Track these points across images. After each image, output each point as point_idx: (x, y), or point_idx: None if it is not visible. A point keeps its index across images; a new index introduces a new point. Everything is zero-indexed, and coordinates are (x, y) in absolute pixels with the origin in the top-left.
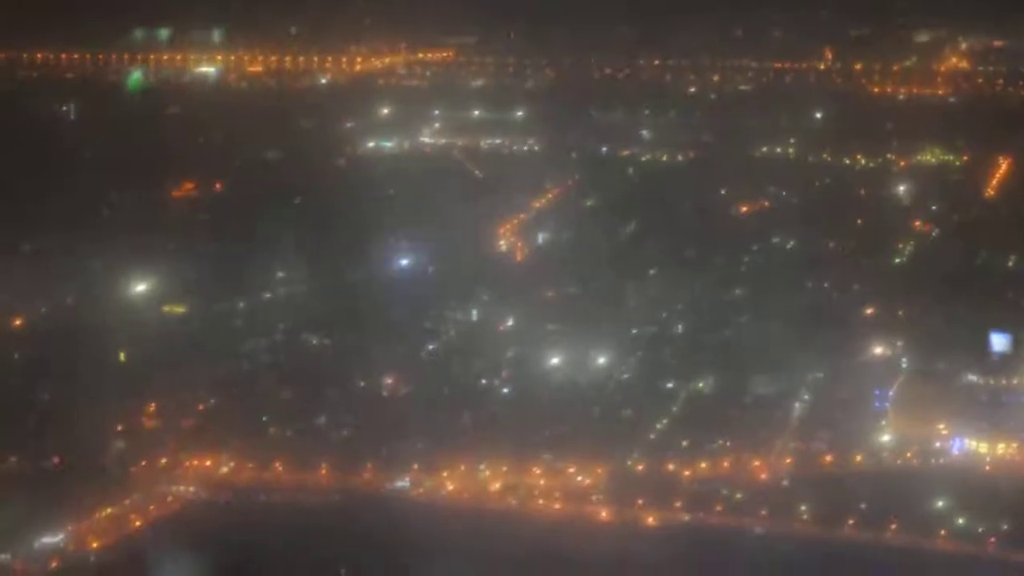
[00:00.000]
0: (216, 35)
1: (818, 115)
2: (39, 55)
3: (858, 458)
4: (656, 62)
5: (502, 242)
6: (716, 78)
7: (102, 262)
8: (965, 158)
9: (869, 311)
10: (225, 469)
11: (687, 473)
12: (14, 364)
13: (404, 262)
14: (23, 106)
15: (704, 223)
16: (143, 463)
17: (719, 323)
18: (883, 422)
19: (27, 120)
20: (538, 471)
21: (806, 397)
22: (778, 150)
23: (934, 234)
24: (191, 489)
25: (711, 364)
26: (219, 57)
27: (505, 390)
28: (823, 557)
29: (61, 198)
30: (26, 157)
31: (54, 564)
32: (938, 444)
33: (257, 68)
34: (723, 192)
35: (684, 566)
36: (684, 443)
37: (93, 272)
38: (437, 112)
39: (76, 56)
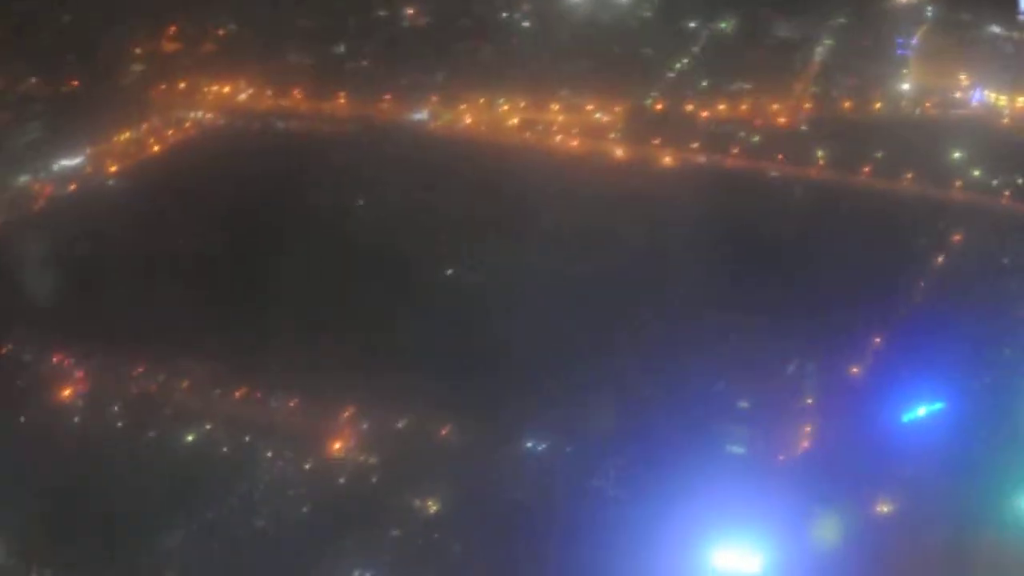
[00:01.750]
0: None
1: None
2: None
3: (877, 105)
4: None
5: None
6: None
7: None
8: None
9: None
10: (243, 96)
11: (705, 114)
12: None
13: None
14: None
15: None
16: (162, 87)
17: None
18: (904, 70)
19: None
20: (556, 107)
21: (828, 42)
22: None
23: None
24: (209, 115)
25: (734, 4)
26: None
27: (526, 24)
28: (837, 204)
29: None
30: None
31: (73, 187)
32: (958, 95)
33: None
34: None
35: (698, 208)
36: (704, 84)
37: None
38: None
39: None
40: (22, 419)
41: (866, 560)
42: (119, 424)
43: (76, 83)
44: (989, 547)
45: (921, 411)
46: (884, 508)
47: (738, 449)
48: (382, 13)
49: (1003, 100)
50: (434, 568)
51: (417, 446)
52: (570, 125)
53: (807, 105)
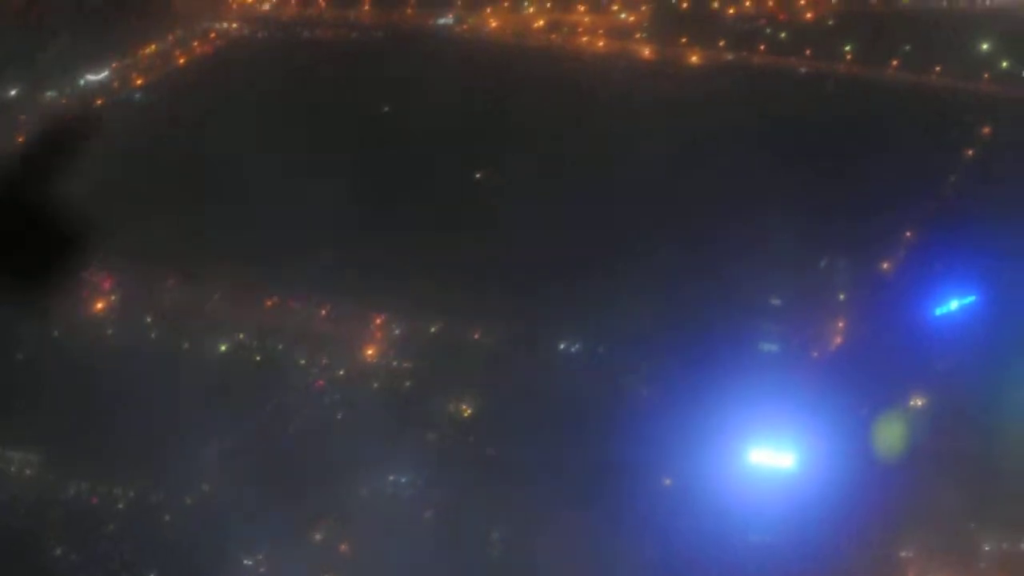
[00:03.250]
0: None
1: None
2: None
3: None
4: None
5: None
6: None
7: None
8: None
9: None
10: (267, 5)
11: (731, 11)
12: None
13: None
14: None
15: None
16: None
17: None
18: None
19: None
20: (582, 8)
21: None
22: None
23: None
24: (234, 25)
25: None
26: None
27: None
28: (866, 99)
29: None
30: None
31: (99, 102)
32: None
33: None
34: None
35: (727, 106)
36: None
37: None
38: None
39: None
40: (55, 333)
41: (900, 455)
42: (152, 335)
43: None
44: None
45: (953, 304)
46: (917, 402)
47: (771, 346)
48: None
49: None
50: (470, 471)
51: (450, 350)
52: (596, 25)
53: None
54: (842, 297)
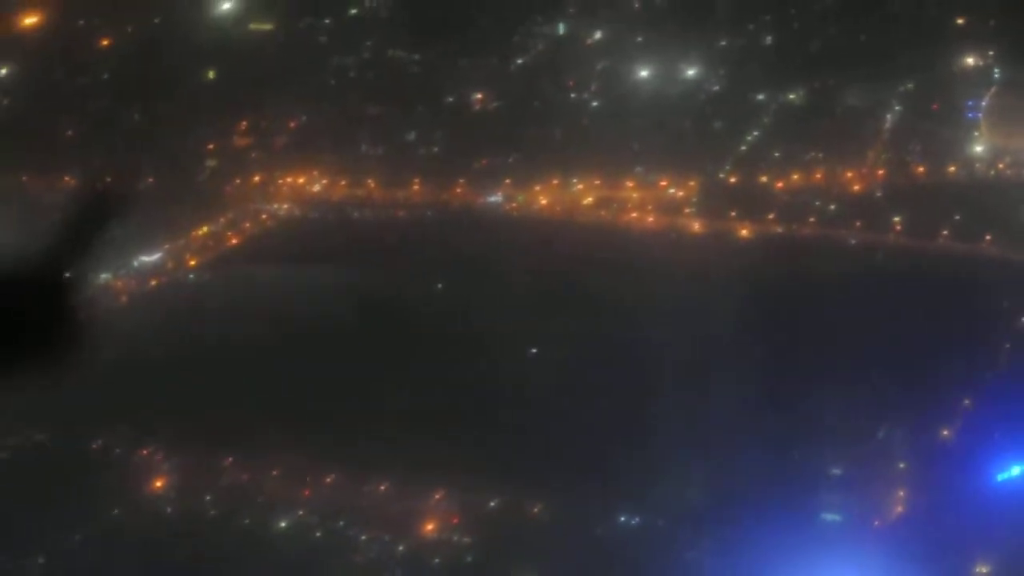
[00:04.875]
0: None
1: None
2: None
3: (951, 169)
4: None
5: None
6: None
7: None
8: None
9: (960, 21)
10: (318, 187)
11: (779, 185)
12: (103, 85)
13: None
14: None
15: None
16: (236, 181)
17: (809, 33)
18: (976, 132)
19: None
20: (630, 184)
21: (898, 108)
22: None
23: None
24: (285, 206)
25: (802, 74)
26: None
27: (595, 103)
28: (918, 268)
29: None
30: None
31: (154, 283)
32: None
33: None
34: None
35: (777, 278)
36: (776, 154)
37: None
38: None
39: None
40: (115, 512)
41: None
42: (212, 513)
43: (152, 180)
44: None
45: (1015, 470)
46: (982, 569)
47: (833, 516)
48: (450, 99)
49: None
50: None
51: (510, 525)
52: (645, 201)
53: (881, 171)
54: (902, 466)
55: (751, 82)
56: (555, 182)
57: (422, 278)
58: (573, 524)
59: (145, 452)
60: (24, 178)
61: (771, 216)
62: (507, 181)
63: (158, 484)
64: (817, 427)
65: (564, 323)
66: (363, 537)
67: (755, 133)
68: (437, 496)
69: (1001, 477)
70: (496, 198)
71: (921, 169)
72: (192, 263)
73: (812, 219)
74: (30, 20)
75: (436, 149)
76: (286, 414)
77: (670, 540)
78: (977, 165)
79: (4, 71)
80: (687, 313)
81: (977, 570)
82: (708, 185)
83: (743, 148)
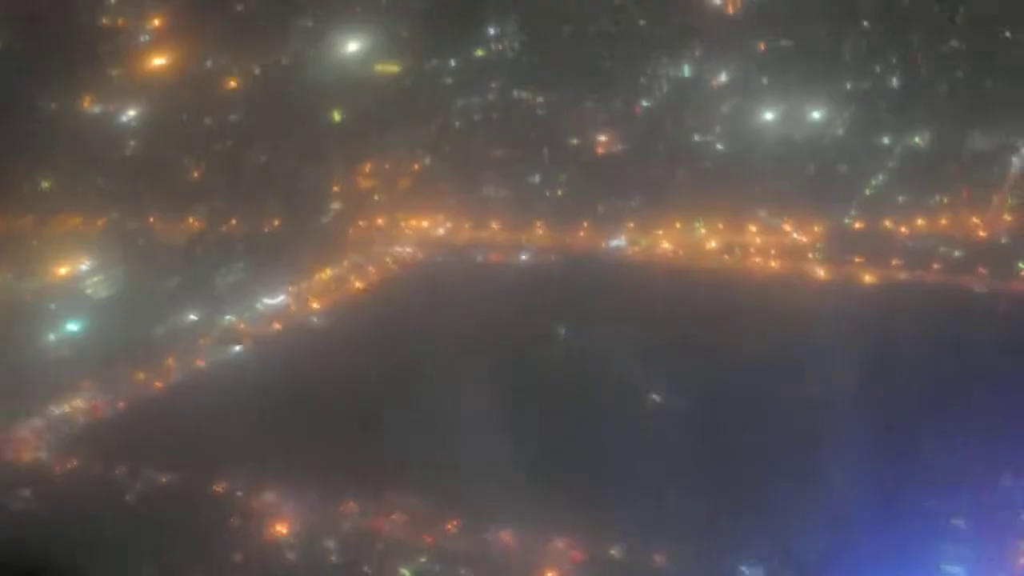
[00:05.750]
0: None
1: None
2: None
3: None
4: None
5: None
6: None
7: (314, 21)
8: None
9: None
10: (441, 230)
11: (904, 230)
12: (230, 126)
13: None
14: None
15: None
16: (361, 224)
17: (935, 77)
18: None
19: None
20: (754, 229)
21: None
22: None
23: None
24: (408, 249)
25: (928, 119)
26: None
27: (719, 146)
28: None
29: None
30: None
31: (277, 326)
32: None
33: None
34: None
35: (902, 325)
36: (901, 199)
37: (306, 32)
38: None
39: None
40: (238, 557)
41: None
42: (333, 560)
43: (277, 222)
44: None
45: None
46: None
47: (956, 568)
48: (575, 141)
49: None
50: None
51: (632, 573)
52: (769, 246)
53: (1007, 216)
54: None
55: (876, 126)
56: (678, 226)
57: (544, 322)
58: (695, 572)
59: (267, 496)
60: (151, 219)
61: (895, 262)
62: (630, 224)
63: (280, 528)
64: (939, 476)
65: (686, 369)
66: None
67: (880, 177)
68: (559, 544)
69: None
70: (619, 242)
71: None
72: (315, 306)
73: (937, 265)
74: (158, 62)
75: (560, 192)
76: (407, 459)
77: None
78: None
79: (132, 113)
80: (808, 361)
81: None
82: (832, 230)
83: (868, 192)
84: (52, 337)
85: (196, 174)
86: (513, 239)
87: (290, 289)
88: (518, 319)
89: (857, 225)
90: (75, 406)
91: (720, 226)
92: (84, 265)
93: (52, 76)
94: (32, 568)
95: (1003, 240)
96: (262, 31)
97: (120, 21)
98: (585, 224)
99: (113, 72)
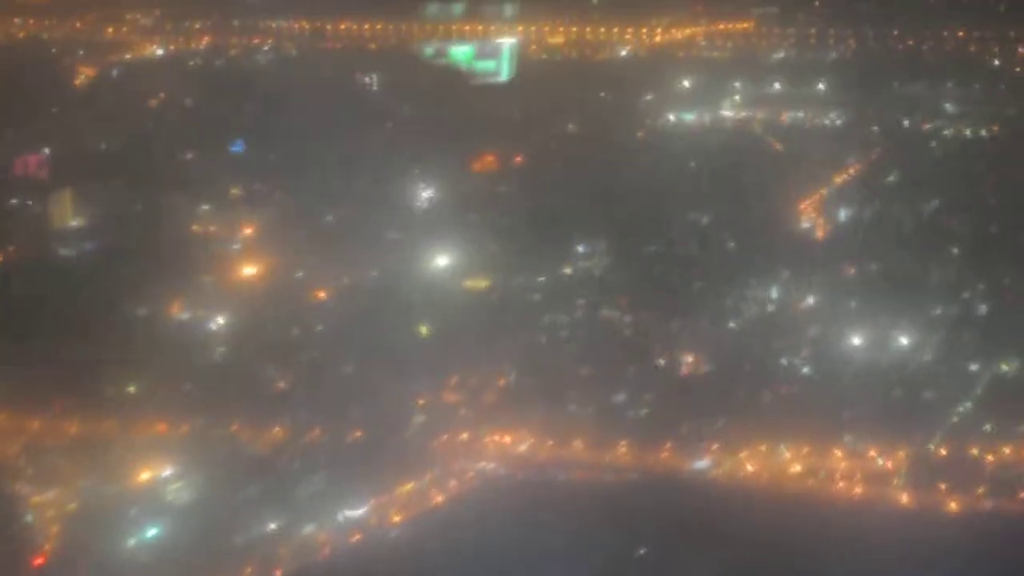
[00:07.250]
0: (511, 7)
1: None
2: (342, 25)
3: None
4: (960, 33)
5: (803, 218)
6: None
7: (405, 234)
8: None
9: None
10: (524, 446)
11: (990, 458)
12: (317, 336)
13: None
14: (326, 76)
15: (1009, 199)
16: (444, 437)
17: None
18: None
19: (330, 90)
20: (839, 453)
21: None
22: None
23: None
24: (491, 465)
25: (1016, 346)
26: (518, 28)
27: (805, 369)
28: None
29: (362, 169)
30: (328, 127)
31: (356, 537)
32: None
33: (558, 39)
34: None
35: (986, 554)
36: (988, 427)
37: (396, 245)
38: (737, 84)
39: (379, 26)
40: None
41: None
42: None
43: (359, 434)
44: None
45: None
46: None
47: None
48: (660, 361)
49: None
50: None
51: None
52: (853, 471)
53: None
54: None
55: (964, 352)
56: (763, 448)
57: (625, 542)
58: None
59: None
60: (234, 427)
61: (980, 490)
62: (714, 446)
63: None
64: None
65: None
66: None
67: (967, 404)
68: None
69: None
70: (703, 463)
71: None
72: (395, 519)
73: (1023, 495)
74: (248, 271)
75: (644, 411)
76: None
77: None
78: None
79: (221, 321)
80: None
81: None
82: (917, 456)
83: (954, 419)
84: (132, 542)
85: (282, 384)
86: (596, 458)
87: (372, 502)
88: (599, 538)
89: (942, 452)
90: None
91: (805, 450)
92: (166, 471)
93: (142, 281)
94: None
95: None
96: (352, 242)
97: (212, 228)
98: (668, 445)
99: (203, 279)
